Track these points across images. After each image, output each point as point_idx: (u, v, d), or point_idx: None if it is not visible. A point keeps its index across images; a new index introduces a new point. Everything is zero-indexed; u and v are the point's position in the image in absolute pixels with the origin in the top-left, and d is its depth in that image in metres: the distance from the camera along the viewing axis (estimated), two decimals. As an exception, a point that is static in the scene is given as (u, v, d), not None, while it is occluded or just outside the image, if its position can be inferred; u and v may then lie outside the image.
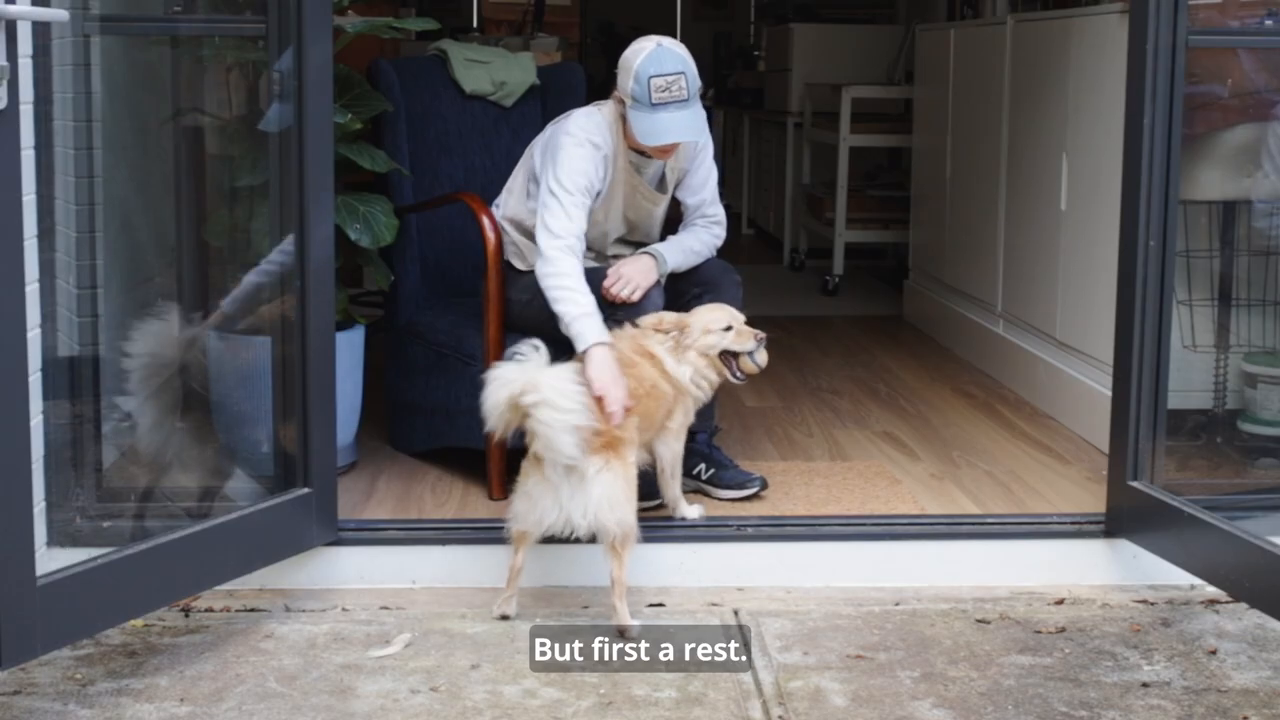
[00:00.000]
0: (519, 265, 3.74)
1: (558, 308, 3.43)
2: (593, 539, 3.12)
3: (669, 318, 3.47)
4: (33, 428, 2.65)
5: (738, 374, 3.49)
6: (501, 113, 4.38)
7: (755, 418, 4.62)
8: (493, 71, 4.36)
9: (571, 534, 3.11)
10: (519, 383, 3.02)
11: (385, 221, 3.75)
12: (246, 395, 3.59)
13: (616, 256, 3.75)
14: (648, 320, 3.47)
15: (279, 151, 3.23)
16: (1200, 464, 4.03)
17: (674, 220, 3.85)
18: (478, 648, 3.05)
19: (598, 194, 3.61)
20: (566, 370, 3.12)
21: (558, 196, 3.50)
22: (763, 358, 3.50)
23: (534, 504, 3.10)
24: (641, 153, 3.64)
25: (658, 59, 3.48)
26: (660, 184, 3.74)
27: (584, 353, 3.31)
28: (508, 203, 3.77)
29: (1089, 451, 4.21)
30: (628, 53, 3.54)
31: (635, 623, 3.09)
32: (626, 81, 3.51)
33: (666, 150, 3.59)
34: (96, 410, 3.34)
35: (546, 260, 3.47)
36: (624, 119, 3.58)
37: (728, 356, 3.47)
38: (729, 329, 3.46)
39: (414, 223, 4.10)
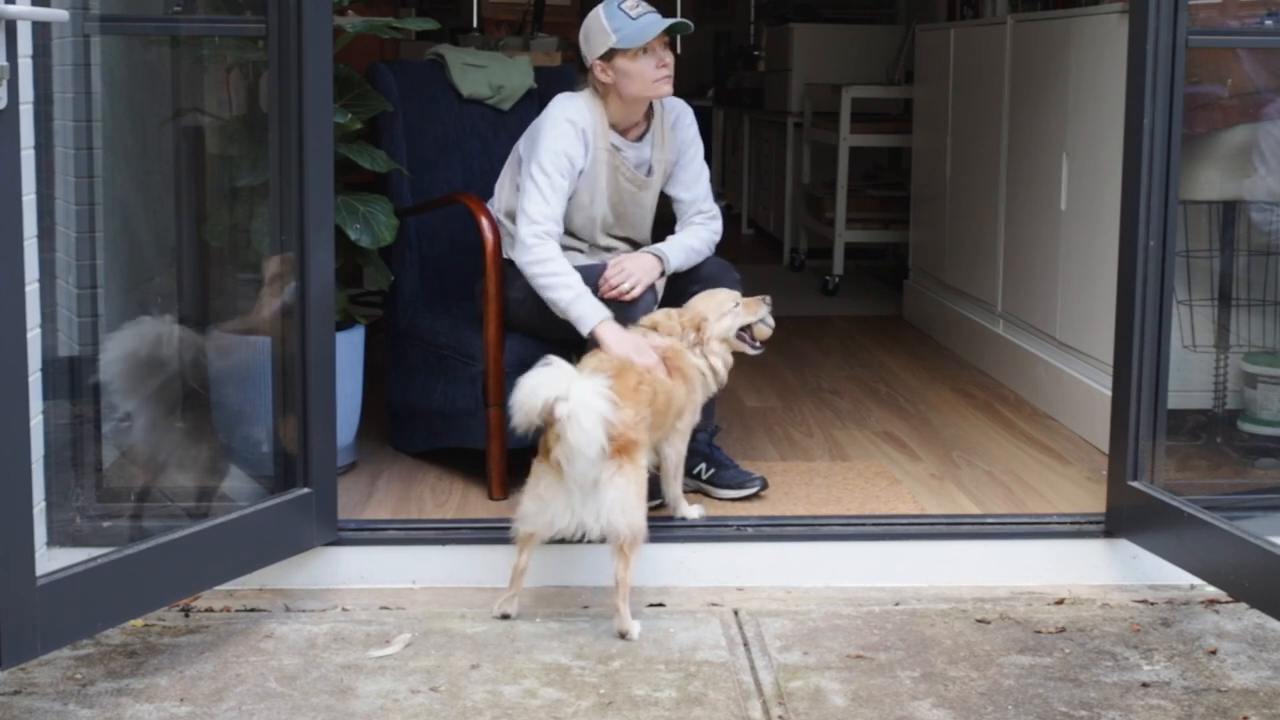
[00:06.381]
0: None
1: (550, 294, 3.50)
2: (601, 540, 3.12)
3: (680, 318, 3.50)
4: (33, 428, 2.65)
5: (755, 344, 3.57)
6: (499, 116, 4.37)
7: (755, 418, 4.62)
8: (490, 75, 4.35)
9: (582, 537, 3.11)
10: (555, 388, 2.99)
11: (385, 221, 3.75)
12: (247, 395, 3.59)
13: (608, 250, 3.75)
14: (645, 320, 3.50)
15: (279, 151, 3.23)
16: (1200, 464, 4.03)
17: (666, 222, 3.85)
18: (478, 648, 3.05)
19: (580, 171, 3.63)
20: (598, 386, 3.04)
21: (536, 180, 3.57)
22: (770, 320, 3.60)
23: (545, 506, 3.10)
24: (622, 132, 3.67)
25: None
26: (647, 171, 3.74)
27: (592, 332, 3.40)
28: (500, 197, 3.80)
29: (1089, 451, 4.21)
30: (587, 18, 3.63)
31: (636, 626, 3.10)
32: (598, 32, 3.58)
33: (661, 79, 3.56)
34: (96, 410, 3.34)
35: (526, 248, 3.54)
36: (603, 97, 3.63)
37: (741, 331, 3.55)
38: (736, 305, 3.55)
39: (413, 225, 4.09)
